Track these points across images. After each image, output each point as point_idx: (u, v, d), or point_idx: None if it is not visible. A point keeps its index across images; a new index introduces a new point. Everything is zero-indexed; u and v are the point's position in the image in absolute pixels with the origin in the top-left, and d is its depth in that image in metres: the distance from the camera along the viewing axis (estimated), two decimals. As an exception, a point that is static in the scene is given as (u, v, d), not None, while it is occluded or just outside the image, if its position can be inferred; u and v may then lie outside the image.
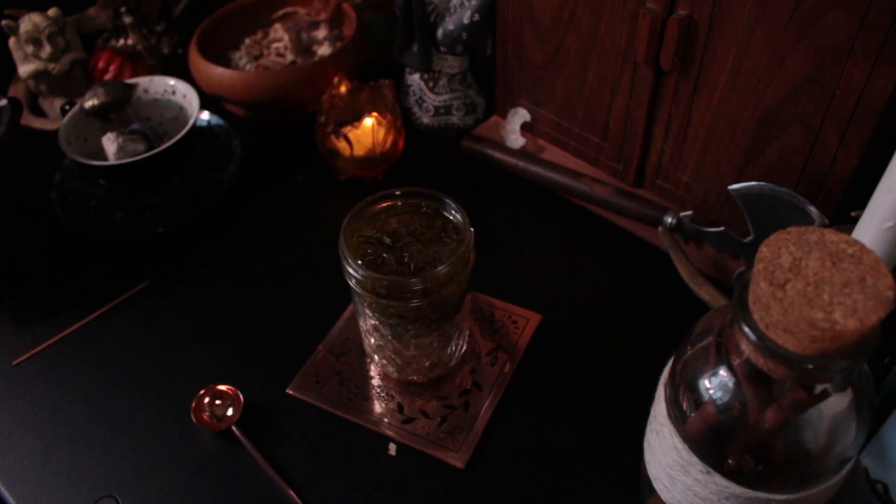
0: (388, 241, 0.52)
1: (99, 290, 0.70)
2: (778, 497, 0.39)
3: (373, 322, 0.54)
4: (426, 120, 0.84)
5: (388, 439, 0.57)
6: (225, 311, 0.68)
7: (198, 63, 0.84)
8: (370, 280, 0.49)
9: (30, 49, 0.83)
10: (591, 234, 0.72)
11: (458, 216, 0.54)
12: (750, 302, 0.34)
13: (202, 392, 0.59)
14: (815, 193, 0.58)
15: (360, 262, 0.50)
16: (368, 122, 0.75)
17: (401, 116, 0.78)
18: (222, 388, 0.59)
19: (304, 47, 0.89)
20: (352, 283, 0.51)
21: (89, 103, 0.74)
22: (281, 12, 0.95)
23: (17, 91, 0.90)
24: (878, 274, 0.32)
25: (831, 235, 0.34)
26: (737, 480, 0.39)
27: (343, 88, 0.77)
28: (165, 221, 0.74)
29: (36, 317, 0.68)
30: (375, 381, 0.60)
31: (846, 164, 0.54)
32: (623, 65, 0.65)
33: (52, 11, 0.83)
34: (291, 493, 0.54)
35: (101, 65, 0.91)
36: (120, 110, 0.75)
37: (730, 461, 0.39)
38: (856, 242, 0.33)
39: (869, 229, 0.44)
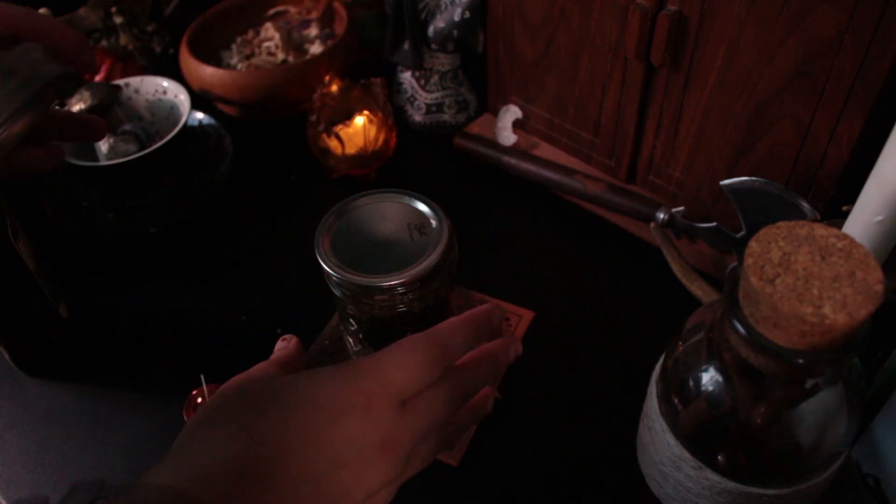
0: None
1: (91, 291, 0.70)
2: (769, 492, 0.39)
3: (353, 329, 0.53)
4: (418, 118, 0.84)
5: (382, 438, 0.56)
6: (217, 311, 0.68)
7: (189, 62, 0.84)
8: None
9: (19, 50, 0.83)
10: (583, 230, 0.72)
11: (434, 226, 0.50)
12: (740, 297, 0.34)
13: (195, 392, 0.59)
14: (807, 188, 0.58)
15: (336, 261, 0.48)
16: (360, 120, 0.75)
17: (392, 115, 0.78)
18: (215, 387, 0.59)
19: (295, 46, 0.89)
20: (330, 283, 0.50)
21: (76, 107, 0.73)
22: (272, 11, 0.95)
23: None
24: (868, 268, 0.32)
25: (821, 230, 0.34)
26: (728, 476, 0.39)
27: (334, 87, 0.77)
28: (158, 222, 0.74)
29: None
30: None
31: (837, 158, 0.55)
32: (613, 61, 0.65)
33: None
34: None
35: (91, 65, 0.90)
36: (108, 112, 0.75)
37: (721, 456, 0.39)
38: (845, 237, 0.33)
39: (859, 223, 0.44)
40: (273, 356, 0.45)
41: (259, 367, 0.42)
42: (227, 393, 0.38)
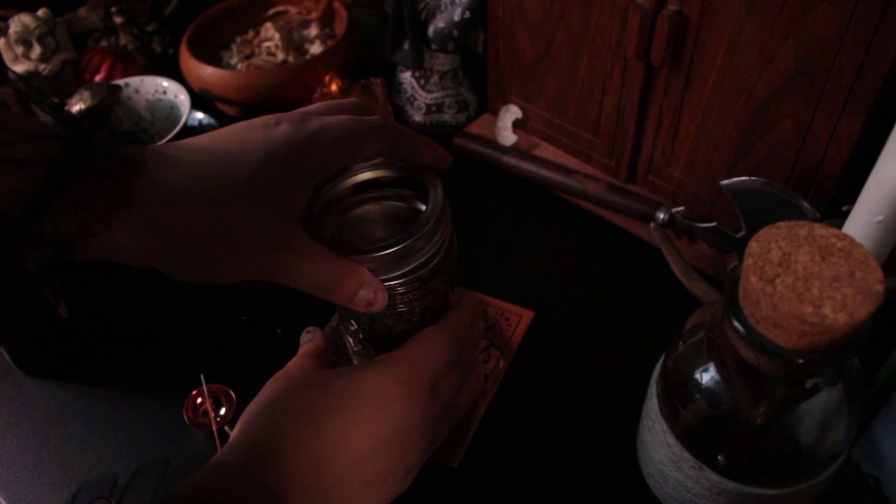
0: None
1: (91, 291, 0.70)
2: (769, 492, 0.39)
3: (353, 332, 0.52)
4: (418, 118, 0.84)
5: (382, 438, 0.56)
6: (217, 311, 0.68)
7: (189, 62, 0.84)
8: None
9: (20, 50, 0.83)
10: (583, 230, 0.72)
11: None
12: (740, 297, 0.34)
13: (195, 392, 0.59)
14: (807, 188, 0.58)
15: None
16: (360, 120, 0.75)
17: (392, 115, 0.78)
18: (215, 387, 0.59)
19: (295, 46, 0.89)
20: None
21: (76, 107, 0.73)
22: (272, 11, 0.95)
23: (6, 92, 0.89)
24: (868, 268, 0.32)
25: (821, 230, 0.34)
26: (728, 476, 0.39)
27: (334, 87, 0.77)
28: (157, 222, 0.73)
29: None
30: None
31: (837, 158, 0.55)
32: (613, 61, 0.65)
33: (41, 12, 0.83)
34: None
35: (91, 65, 0.90)
36: (108, 112, 0.75)
37: (721, 456, 0.39)
38: (845, 237, 0.34)
39: (859, 223, 0.44)
40: (303, 349, 0.48)
41: (297, 363, 0.46)
42: (278, 389, 0.42)
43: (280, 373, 0.45)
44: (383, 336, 0.50)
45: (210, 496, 0.35)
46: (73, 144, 0.33)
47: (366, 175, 0.48)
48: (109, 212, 0.34)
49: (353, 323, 0.51)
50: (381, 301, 0.42)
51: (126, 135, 0.76)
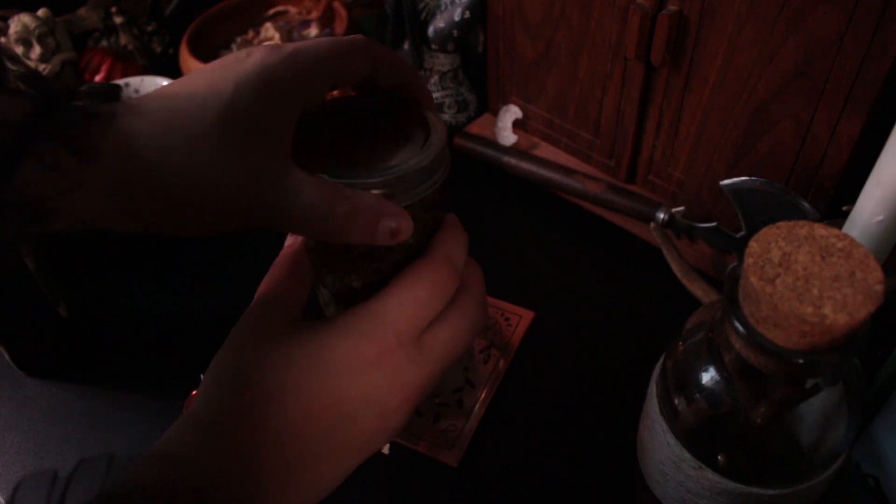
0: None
1: (91, 291, 0.70)
2: (769, 492, 0.39)
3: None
4: (418, 118, 0.84)
5: (382, 438, 0.56)
6: (217, 311, 0.67)
7: (189, 62, 0.84)
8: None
9: (20, 50, 0.83)
10: (583, 230, 0.72)
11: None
12: (740, 297, 0.34)
13: (195, 392, 0.59)
14: (807, 188, 0.58)
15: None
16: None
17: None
18: (215, 388, 0.59)
19: (295, 46, 0.89)
20: None
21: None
22: (272, 11, 0.95)
23: None
24: (868, 268, 0.32)
25: (821, 230, 0.34)
26: (728, 476, 0.39)
27: (334, 87, 0.77)
28: (157, 222, 0.73)
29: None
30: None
31: (837, 158, 0.55)
32: (613, 61, 0.65)
33: (41, 12, 0.83)
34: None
35: (91, 65, 0.90)
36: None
37: (721, 456, 0.39)
38: (845, 236, 0.33)
39: (859, 223, 0.44)
40: (268, 284, 0.42)
41: (258, 312, 0.40)
42: (237, 351, 0.38)
43: (242, 335, 0.39)
44: (350, 292, 0.42)
45: (161, 488, 0.32)
46: (37, 102, 0.31)
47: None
48: (77, 168, 0.31)
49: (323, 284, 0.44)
50: (408, 227, 0.35)
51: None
